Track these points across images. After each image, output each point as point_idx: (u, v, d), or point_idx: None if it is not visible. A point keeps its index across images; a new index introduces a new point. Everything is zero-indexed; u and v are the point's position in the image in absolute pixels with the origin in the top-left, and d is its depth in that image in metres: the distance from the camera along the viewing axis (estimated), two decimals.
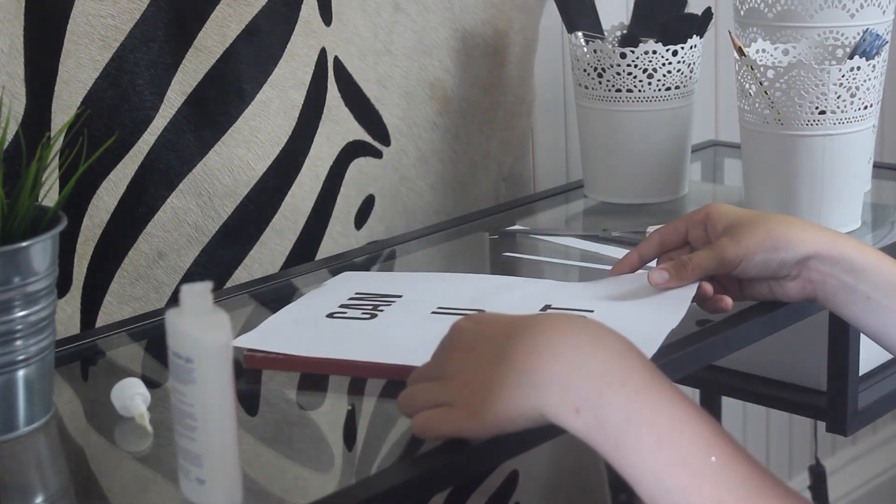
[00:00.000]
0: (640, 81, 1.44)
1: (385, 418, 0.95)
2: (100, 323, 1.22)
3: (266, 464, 0.89)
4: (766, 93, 1.31)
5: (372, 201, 1.42)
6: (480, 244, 1.40)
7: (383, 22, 1.42)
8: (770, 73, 1.30)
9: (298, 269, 1.28)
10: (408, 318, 1.08)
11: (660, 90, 1.45)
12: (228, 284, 1.27)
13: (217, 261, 1.27)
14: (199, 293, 0.78)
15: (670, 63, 1.44)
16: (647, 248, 1.13)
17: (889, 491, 2.54)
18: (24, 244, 0.88)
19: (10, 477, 0.88)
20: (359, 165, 1.40)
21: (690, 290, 1.07)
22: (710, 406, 1.75)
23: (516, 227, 1.40)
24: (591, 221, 1.48)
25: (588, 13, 1.50)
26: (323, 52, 1.34)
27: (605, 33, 1.52)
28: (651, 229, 1.24)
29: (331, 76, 1.35)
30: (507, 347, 0.83)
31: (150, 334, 1.12)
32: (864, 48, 1.33)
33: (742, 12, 1.47)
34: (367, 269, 1.29)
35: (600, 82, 1.46)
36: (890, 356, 1.35)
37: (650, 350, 0.97)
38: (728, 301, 1.08)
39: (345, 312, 1.10)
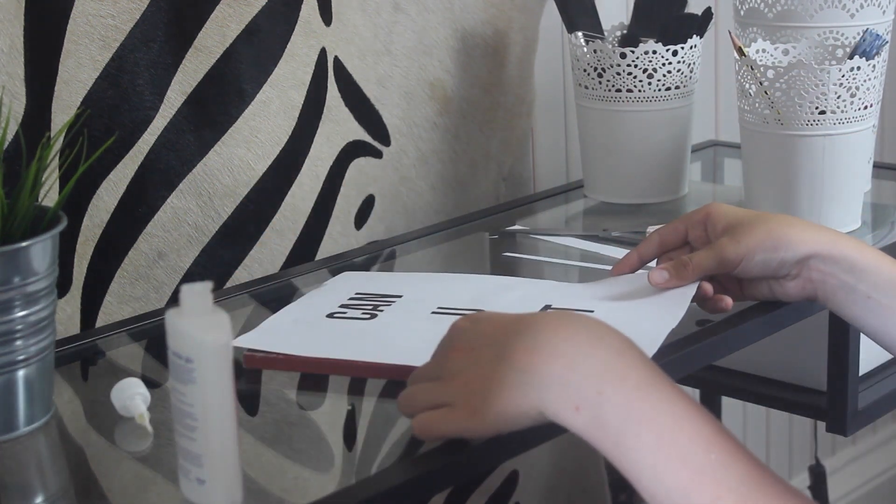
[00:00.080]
0: (640, 81, 1.44)
1: (385, 418, 0.95)
2: (100, 323, 1.22)
3: (266, 464, 0.89)
4: (766, 93, 1.31)
5: (372, 201, 1.42)
6: (480, 244, 1.40)
7: (383, 22, 1.42)
8: (770, 73, 1.30)
9: (298, 269, 1.28)
10: (408, 318, 1.08)
11: (660, 90, 1.45)
12: (228, 284, 1.27)
13: (217, 261, 1.27)
14: (199, 293, 0.78)
15: (670, 63, 1.44)
16: (646, 248, 1.13)
17: (889, 491, 2.54)
18: (24, 244, 0.88)
19: (10, 477, 0.88)
20: (359, 165, 1.40)
21: (690, 290, 1.07)
22: (710, 406, 1.75)
23: (516, 227, 1.40)
24: (591, 221, 1.48)
25: (588, 13, 1.50)
26: (323, 52, 1.34)
27: (605, 33, 1.52)
28: (651, 229, 1.24)
29: (331, 76, 1.36)
30: (506, 347, 0.83)
31: (150, 334, 1.12)
32: (864, 48, 1.33)
33: (742, 12, 1.47)
34: (367, 269, 1.29)
35: (600, 82, 1.46)
36: (890, 356, 1.35)
37: (650, 350, 0.97)
38: (728, 301, 1.08)
39: (345, 312, 1.10)
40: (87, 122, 1.17)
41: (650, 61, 1.43)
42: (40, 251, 0.90)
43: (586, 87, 1.48)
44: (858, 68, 1.28)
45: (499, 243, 1.36)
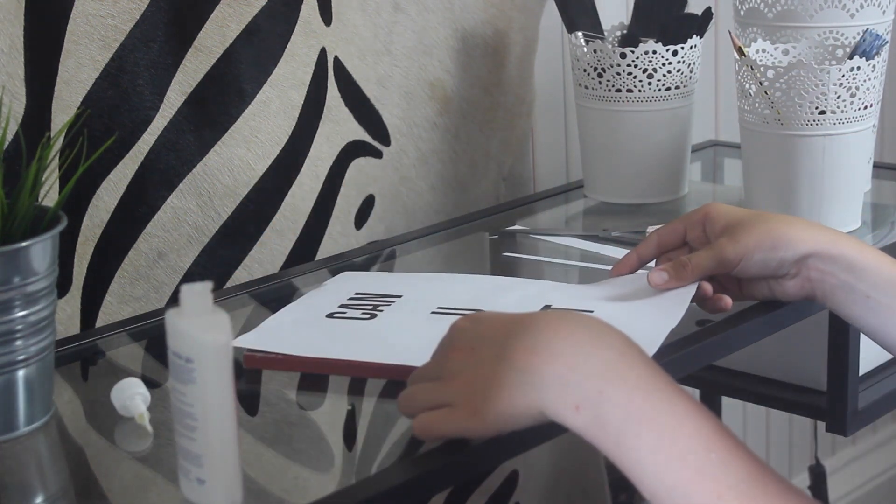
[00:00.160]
0: (640, 81, 1.44)
1: (385, 418, 0.95)
2: (100, 323, 1.22)
3: (266, 464, 0.89)
4: (766, 93, 1.31)
5: (372, 201, 1.42)
6: (480, 244, 1.40)
7: (383, 22, 1.42)
8: (770, 73, 1.30)
9: (298, 269, 1.28)
10: (407, 318, 1.08)
11: (660, 90, 1.45)
12: (228, 284, 1.27)
13: (217, 261, 1.27)
14: (199, 293, 0.78)
15: (670, 63, 1.44)
16: (645, 248, 1.13)
17: (889, 491, 2.54)
18: (24, 244, 0.88)
19: (10, 477, 0.88)
20: (359, 165, 1.40)
21: (690, 290, 1.07)
22: (710, 406, 1.75)
23: (516, 227, 1.40)
24: (591, 221, 1.48)
25: (588, 13, 1.50)
26: (323, 52, 1.34)
27: (605, 33, 1.52)
28: (651, 229, 1.24)
29: (331, 76, 1.36)
30: (506, 347, 0.83)
31: (150, 334, 1.12)
32: (864, 48, 1.33)
33: (742, 12, 1.47)
34: (367, 269, 1.29)
35: (600, 82, 1.46)
36: (890, 356, 1.35)
37: (650, 350, 0.97)
38: (727, 300, 1.08)
39: (344, 313, 1.10)
40: (87, 122, 1.17)
41: (650, 61, 1.43)
42: (40, 251, 0.90)
43: (586, 87, 1.48)
44: (858, 68, 1.28)
45: (499, 243, 1.36)
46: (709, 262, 1.07)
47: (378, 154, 1.43)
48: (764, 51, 1.37)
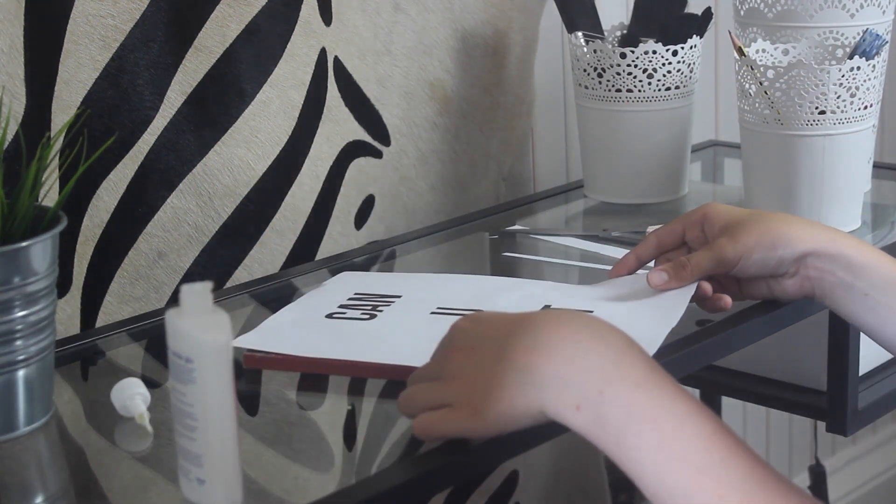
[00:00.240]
0: (640, 81, 1.44)
1: (385, 418, 0.95)
2: (100, 323, 1.22)
3: (266, 464, 0.89)
4: (766, 93, 1.31)
5: (372, 201, 1.42)
6: (480, 244, 1.40)
7: (383, 22, 1.42)
8: (770, 73, 1.30)
9: (298, 269, 1.28)
10: (407, 318, 1.08)
11: (660, 90, 1.45)
12: (228, 284, 1.27)
13: (217, 261, 1.27)
14: (199, 293, 0.78)
15: (670, 63, 1.44)
16: (644, 249, 1.13)
17: (889, 491, 2.54)
18: (24, 244, 0.88)
19: (10, 477, 0.88)
20: (359, 165, 1.40)
21: (689, 290, 1.07)
22: (710, 406, 1.74)
23: (516, 227, 1.40)
24: (591, 221, 1.48)
25: (588, 13, 1.50)
26: (323, 52, 1.34)
27: (605, 33, 1.52)
28: (651, 229, 1.24)
29: (331, 76, 1.35)
30: (506, 346, 0.83)
31: (150, 334, 1.12)
32: (864, 48, 1.33)
33: (742, 12, 1.47)
34: (367, 269, 1.29)
35: (600, 82, 1.46)
36: (890, 356, 1.35)
37: (650, 350, 0.97)
38: (727, 300, 1.08)
39: (344, 313, 1.10)
40: (87, 122, 1.17)
41: (650, 61, 1.43)
42: (40, 251, 0.90)
43: (586, 87, 1.48)
44: (858, 68, 1.28)
45: (499, 243, 1.36)
46: (708, 262, 1.07)
47: (378, 154, 1.43)
48: (764, 51, 1.37)
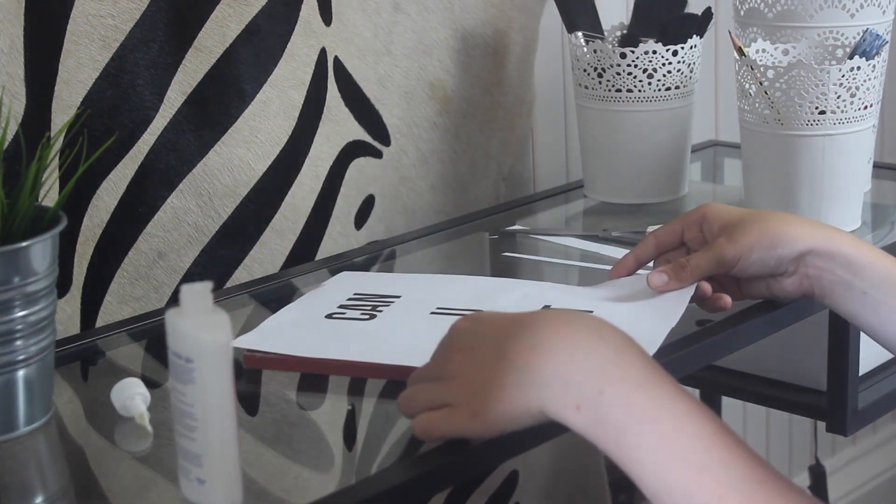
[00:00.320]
0: (640, 81, 1.44)
1: (385, 418, 0.95)
2: (100, 323, 1.22)
3: (266, 464, 0.89)
4: (766, 93, 1.31)
5: (372, 201, 1.42)
6: (480, 244, 1.40)
7: (383, 22, 1.42)
8: (770, 73, 1.30)
9: (298, 269, 1.28)
10: (407, 318, 1.08)
11: (660, 90, 1.45)
12: (228, 284, 1.27)
13: (217, 261, 1.27)
14: (199, 293, 0.78)
15: (670, 63, 1.44)
16: (643, 250, 1.13)
17: (889, 491, 2.54)
18: (24, 244, 0.88)
19: (10, 477, 0.88)
20: (359, 165, 1.40)
21: (689, 290, 1.07)
22: (710, 406, 1.74)
23: (516, 227, 1.40)
24: (591, 221, 1.48)
25: (588, 13, 1.50)
26: (323, 52, 1.34)
27: (605, 33, 1.52)
28: (651, 229, 1.24)
29: (331, 76, 1.36)
30: (506, 346, 0.83)
31: (150, 334, 1.12)
32: (864, 48, 1.34)
33: (742, 12, 1.47)
34: (367, 269, 1.29)
35: (600, 82, 1.46)
36: (890, 356, 1.35)
37: (650, 350, 0.97)
38: (727, 299, 1.08)
39: (344, 313, 1.10)
40: (87, 122, 1.17)
41: (650, 61, 1.43)
42: (40, 251, 0.90)
43: (586, 87, 1.48)
44: (858, 68, 1.28)
45: (499, 243, 1.36)
46: (707, 262, 1.07)
47: (378, 154, 1.43)
48: (764, 51, 1.37)
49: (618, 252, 1.28)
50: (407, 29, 1.45)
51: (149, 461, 0.90)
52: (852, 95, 1.29)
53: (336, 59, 1.36)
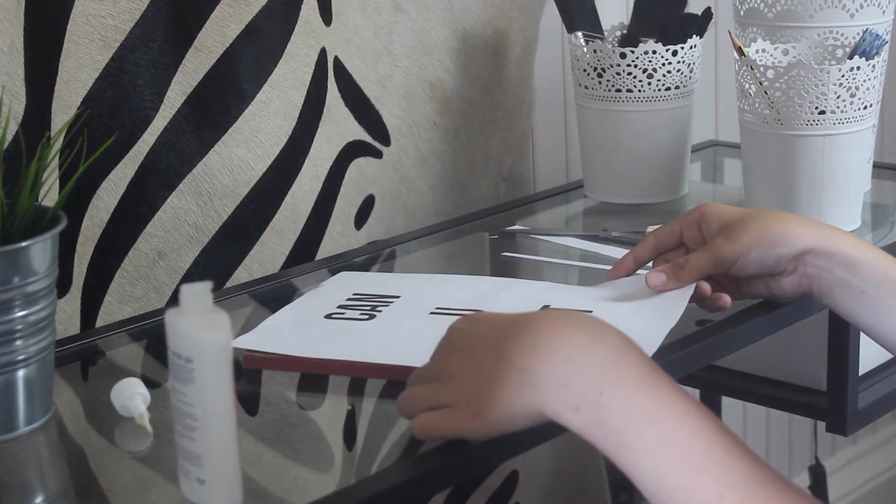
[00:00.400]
0: (640, 81, 1.44)
1: (385, 418, 0.95)
2: (100, 323, 1.22)
3: (266, 464, 0.89)
4: (766, 93, 1.31)
5: (372, 201, 1.42)
6: (480, 244, 1.40)
7: (383, 22, 1.42)
8: (770, 73, 1.30)
9: (298, 269, 1.28)
10: (406, 318, 1.08)
11: (660, 90, 1.45)
12: (228, 284, 1.27)
13: (217, 261, 1.27)
14: (199, 293, 0.78)
15: (670, 63, 1.44)
16: (642, 250, 1.13)
17: (889, 491, 2.54)
18: (24, 244, 0.88)
19: (10, 477, 0.88)
20: (359, 165, 1.40)
21: (688, 290, 1.07)
22: (710, 406, 1.75)
23: (516, 227, 1.40)
24: (591, 221, 1.48)
25: (588, 13, 1.50)
26: (323, 52, 1.34)
27: (605, 33, 1.52)
28: (650, 229, 1.24)
29: (331, 76, 1.36)
30: (505, 347, 0.83)
31: (150, 334, 1.12)
32: (864, 48, 1.34)
33: (742, 12, 1.47)
34: (367, 269, 1.29)
35: (600, 82, 1.46)
36: (890, 356, 1.35)
37: (650, 350, 0.97)
38: (726, 299, 1.08)
39: (343, 313, 1.10)
40: (87, 122, 1.17)
41: (650, 61, 1.44)
42: (40, 251, 0.90)
43: (586, 87, 1.48)
44: (858, 68, 1.28)
45: (499, 243, 1.36)
46: (706, 262, 1.07)
47: (378, 154, 1.43)
48: (764, 51, 1.37)
49: (618, 252, 1.28)
50: (407, 29, 1.45)
51: (149, 461, 0.90)
52: (852, 95, 1.29)
53: (336, 59, 1.36)
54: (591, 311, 1.05)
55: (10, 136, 1.10)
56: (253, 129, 1.27)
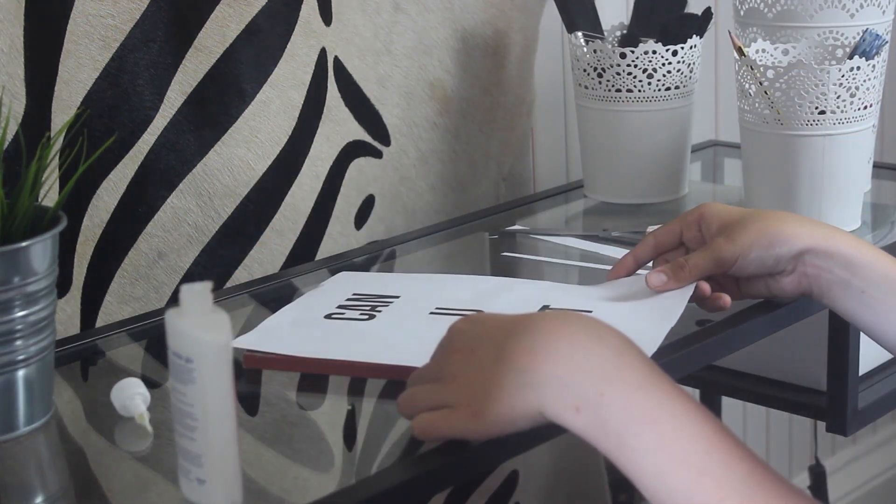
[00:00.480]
0: (640, 81, 1.44)
1: (385, 418, 0.95)
2: (100, 323, 1.22)
3: (266, 464, 0.89)
4: (766, 93, 1.31)
5: (372, 201, 1.42)
6: (480, 244, 1.40)
7: (383, 22, 1.42)
8: (770, 73, 1.30)
9: (298, 269, 1.28)
10: (406, 318, 1.08)
11: (660, 90, 1.45)
12: (228, 284, 1.27)
13: (217, 261, 1.27)
14: (199, 293, 0.78)
15: (670, 63, 1.44)
16: (642, 250, 1.13)
17: (889, 491, 2.54)
18: (24, 244, 0.88)
19: (10, 477, 0.88)
20: (359, 165, 1.40)
21: (688, 290, 1.07)
22: (710, 406, 1.75)
23: (516, 227, 1.40)
24: (591, 221, 1.48)
25: (588, 13, 1.50)
26: (323, 52, 1.34)
27: (605, 33, 1.52)
28: (650, 229, 1.24)
29: (331, 76, 1.36)
30: (506, 348, 0.83)
31: (150, 334, 1.12)
32: (864, 48, 1.34)
33: (742, 12, 1.47)
34: (367, 269, 1.29)
35: (600, 82, 1.46)
36: (889, 356, 1.35)
37: (650, 350, 0.97)
38: (726, 299, 1.08)
39: (343, 313, 1.10)
40: (87, 122, 1.17)
41: (650, 61, 1.44)
42: (40, 251, 0.90)
43: (586, 87, 1.48)
44: (858, 68, 1.28)
45: (499, 243, 1.36)
46: (706, 262, 1.07)
47: (378, 154, 1.43)
48: (764, 51, 1.37)
49: (618, 252, 1.28)
50: (407, 29, 1.45)
51: (149, 461, 0.90)
52: (852, 95, 1.29)
53: (336, 59, 1.36)
54: (591, 312, 1.05)
55: (10, 136, 1.10)
56: (253, 129, 1.27)
